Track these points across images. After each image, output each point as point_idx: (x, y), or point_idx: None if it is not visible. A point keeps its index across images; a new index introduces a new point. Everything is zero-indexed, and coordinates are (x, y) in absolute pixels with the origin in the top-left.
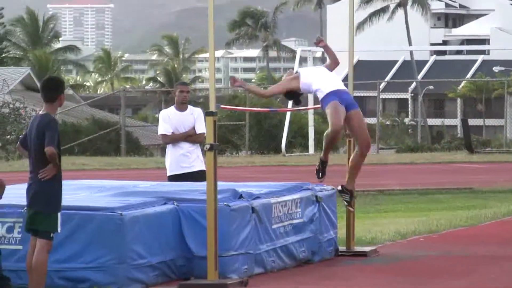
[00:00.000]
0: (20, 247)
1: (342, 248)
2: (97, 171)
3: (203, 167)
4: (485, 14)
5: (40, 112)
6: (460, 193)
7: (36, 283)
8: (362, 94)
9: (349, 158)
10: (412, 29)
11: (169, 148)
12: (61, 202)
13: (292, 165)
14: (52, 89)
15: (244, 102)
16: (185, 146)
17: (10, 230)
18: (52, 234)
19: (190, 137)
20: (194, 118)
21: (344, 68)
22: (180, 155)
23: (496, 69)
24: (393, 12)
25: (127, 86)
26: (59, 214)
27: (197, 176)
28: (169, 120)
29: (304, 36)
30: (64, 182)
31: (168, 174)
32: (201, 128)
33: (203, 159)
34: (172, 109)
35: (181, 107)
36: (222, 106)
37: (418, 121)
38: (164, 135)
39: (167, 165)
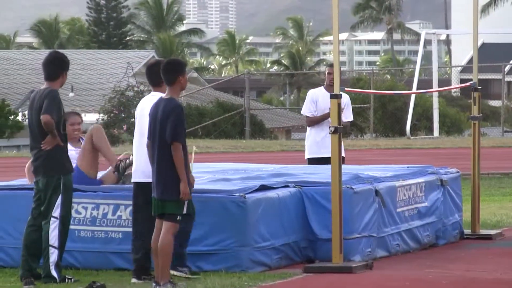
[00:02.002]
0: None
1: (467, 231)
2: (221, 154)
3: (342, 154)
4: None
5: (164, 96)
6: None
7: (162, 265)
8: (487, 77)
9: (474, 141)
10: None
11: (311, 130)
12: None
13: (417, 148)
14: (170, 71)
15: (368, 85)
16: (327, 129)
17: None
18: (178, 217)
19: None
20: (343, 103)
21: (468, 51)
22: (322, 138)
23: None
24: None
25: (252, 69)
26: None
27: None
28: (317, 101)
29: (428, 18)
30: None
31: (307, 156)
32: (348, 116)
33: (343, 145)
34: (321, 89)
35: (330, 89)
36: (346, 88)
37: None
38: (306, 116)
39: (307, 147)
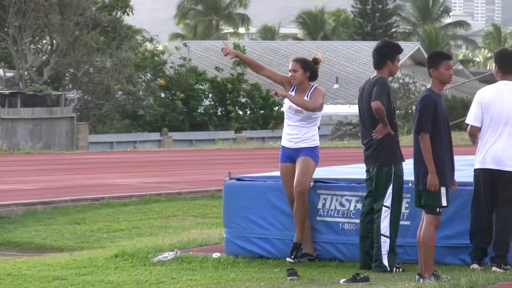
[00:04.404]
0: (408, 222)
1: None
2: None
3: None
4: None
5: (428, 87)
6: None
7: (425, 257)
8: None
9: None
10: None
11: None
12: (446, 176)
13: None
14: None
15: None
16: None
17: None
18: (438, 209)
19: None
20: None
21: None
22: None
23: None
24: None
25: None
26: (443, 188)
27: None
28: None
29: None
30: (455, 158)
31: None
32: None
33: None
34: None
35: None
36: None
37: None
38: None
39: None
